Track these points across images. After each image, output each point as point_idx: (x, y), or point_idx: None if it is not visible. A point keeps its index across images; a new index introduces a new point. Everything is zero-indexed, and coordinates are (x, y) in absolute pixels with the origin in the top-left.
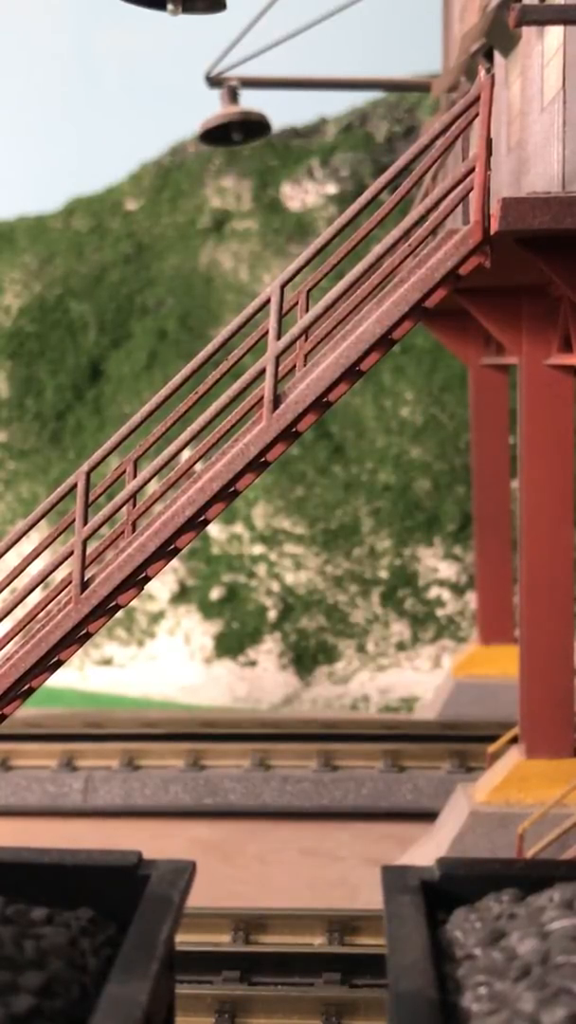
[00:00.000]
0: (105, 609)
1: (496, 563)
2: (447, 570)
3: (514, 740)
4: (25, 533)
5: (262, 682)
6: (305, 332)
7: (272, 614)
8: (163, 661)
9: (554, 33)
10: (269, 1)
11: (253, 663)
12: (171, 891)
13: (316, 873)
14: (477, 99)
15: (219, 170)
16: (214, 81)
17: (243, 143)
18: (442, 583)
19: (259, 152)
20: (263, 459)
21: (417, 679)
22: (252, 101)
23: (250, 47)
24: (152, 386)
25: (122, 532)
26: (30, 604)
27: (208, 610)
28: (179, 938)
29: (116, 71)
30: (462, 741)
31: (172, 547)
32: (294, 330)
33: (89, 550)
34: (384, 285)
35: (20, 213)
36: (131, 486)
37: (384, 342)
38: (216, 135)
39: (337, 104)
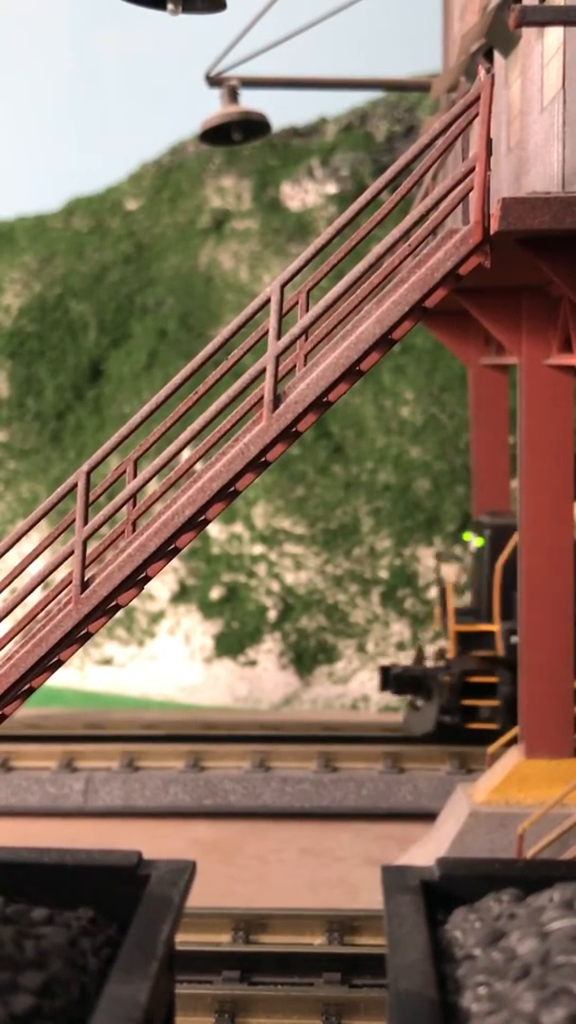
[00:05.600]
0: (105, 609)
1: None
2: (447, 570)
3: (514, 740)
4: (25, 533)
5: (262, 682)
6: (305, 332)
7: (272, 614)
8: (163, 661)
9: (554, 33)
10: (269, 1)
11: (253, 663)
12: (171, 891)
13: (316, 873)
14: (477, 99)
15: (219, 170)
16: (214, 81)
17: (243, 143)
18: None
19: (259, 152)
20: (263, 459)
21: None
22: (252, 101)
23: (250, 47)
24: (152, 386)
25: (122, 532)
26: (30, 604)
27: (208, 610)
28: (179, 938)
29: (116, 71)
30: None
31: (172, 547)
32: (294, 330)
33: (89, 550)
34: (384, 285)
35: (20, 213)
36: (131, 486)
37: (384, 342)
38: (216, 135)
39: (337, 104)
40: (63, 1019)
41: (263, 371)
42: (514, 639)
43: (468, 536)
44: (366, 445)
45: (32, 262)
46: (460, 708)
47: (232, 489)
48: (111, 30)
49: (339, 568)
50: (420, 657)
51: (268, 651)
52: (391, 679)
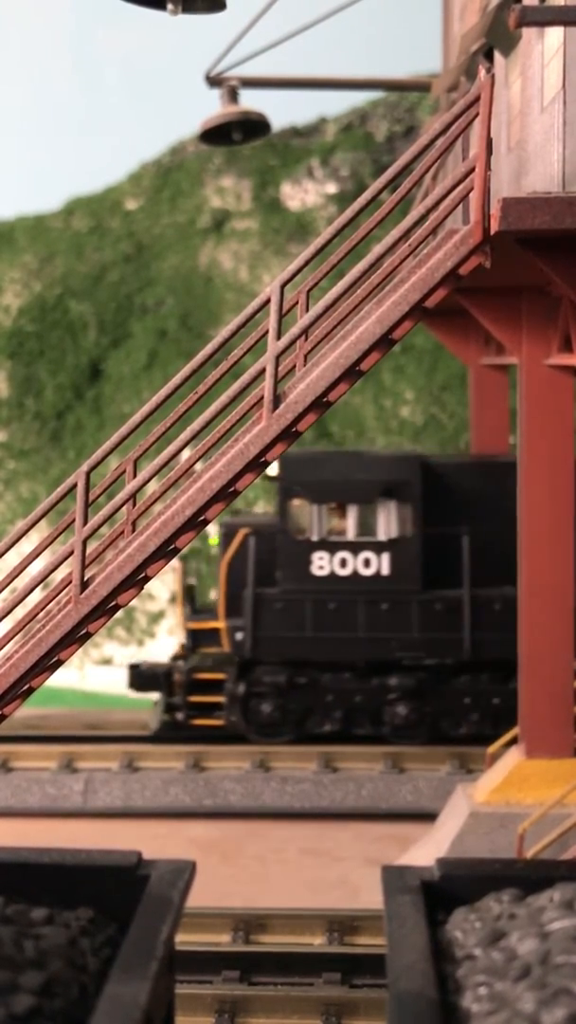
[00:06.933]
0: (105, 609)
1: None
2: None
3: (514, 740)
4: (25, 533)
5: None
6: (305, 332)
7: None
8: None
9: (554, 33)
10: (269, 1)
11: None
12: (171, 891)
13: (316, 873)
14: (477, 99)
15: (219, 170)
16: (214, 81)
17: (243, 143)
18: None
19: (259, 152)
20: (263, 459)
21: None
22: (252, 101)
23: (250, 47)
24: (152, 386)
25: (122, 532)
26: (30, 604)
27: None
28: (179, 938)
29: (116, 71)
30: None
31: (172, 547)
32: (294, 330)
33: (89, 550)
34: (384, 285)
35: (20, 213)
36: (131, 486)
37: (384, 342)
38: (216, 135)
39: (337, 104)
40: (63, 1019)
41: (263, 371)
42: (239, 636)
43: (213, 537)
44: (366, 445)
45: (32, 262)
46: (187, 704)
47: (232, 489)
48: (111, 30)
49: None
50: (179, 654)
51: None
52: (135, 676)
